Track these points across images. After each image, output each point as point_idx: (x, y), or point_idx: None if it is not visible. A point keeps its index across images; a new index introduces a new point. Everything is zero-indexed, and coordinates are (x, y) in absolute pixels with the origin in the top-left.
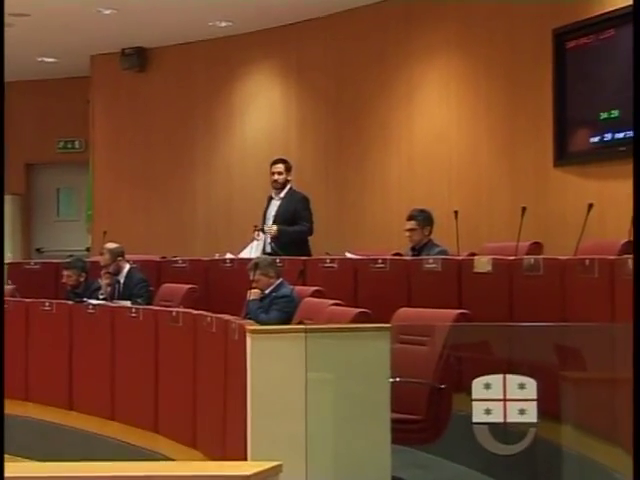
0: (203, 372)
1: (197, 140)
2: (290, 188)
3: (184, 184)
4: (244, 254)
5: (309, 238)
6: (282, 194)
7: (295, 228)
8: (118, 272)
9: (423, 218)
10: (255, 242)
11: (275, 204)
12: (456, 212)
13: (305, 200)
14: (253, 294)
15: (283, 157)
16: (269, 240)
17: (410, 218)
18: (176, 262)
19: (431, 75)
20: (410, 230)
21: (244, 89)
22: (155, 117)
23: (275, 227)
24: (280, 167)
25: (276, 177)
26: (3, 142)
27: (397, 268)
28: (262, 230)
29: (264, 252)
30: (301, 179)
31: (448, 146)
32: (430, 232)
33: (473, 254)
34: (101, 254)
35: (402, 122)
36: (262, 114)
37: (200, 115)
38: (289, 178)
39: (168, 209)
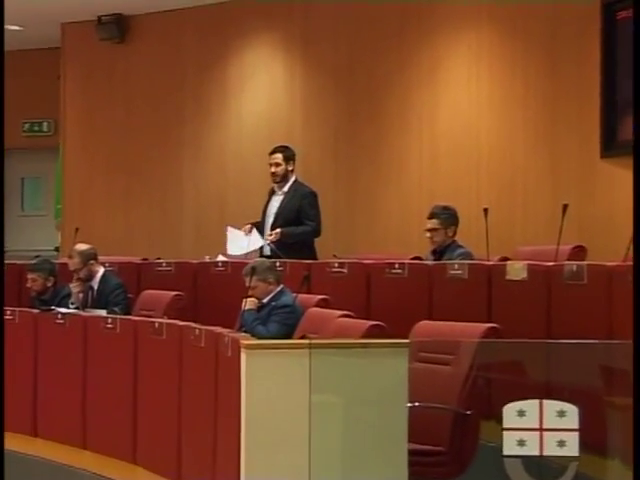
0: (190, 393)
1: (185, 124)
2: (295, 181)
3: (170, 175)
4: (235, 249)
5: (315, 239)
6: (285, 188)
7: (299, 229)
8: (90, 277)
9: (447, 216)
10: (249, 236)
11: (277, 200)
12: (486, 210)
13: (312, 196)
14: (249, 303)
15: (284, 144)
16: (267, 241)
17: (431, 216)
18: (160, 265)
19: (458, 50)
20: (431, 230)
21: (241, 64)
22: (137, 97)
23: (278, 232)
24: (278, 157)
25: (273, 169)
26: (3, 139)
27: (416, 274)
28: (252, 225)
29: (261, 255)
30: (306, 170)
31: (477, 133)
32: (454, 233)
33: (505, 259)
34: (70, 257)
35: (424, 105)
36: (261, 94)
37: (189, 95)
38: (290, 168)
39: (151, 203)
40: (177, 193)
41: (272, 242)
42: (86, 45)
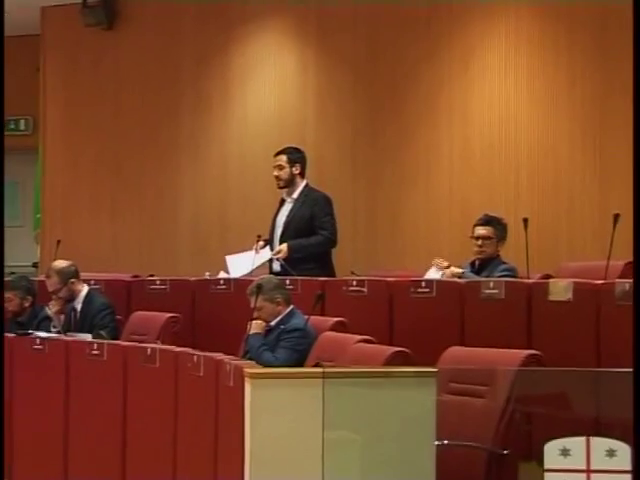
0: (186, 429)
1: (182, 123)
2: (306, 186)
3: (165, 180)
4: (240, 270)
5: (331, 252)
6: (295, 194)
7: (311, 240)
8: (72, 297)
9: (501, 228)
10: (254, 252)
11: (287, 208)
12: (525, 221)
13: (325, 201)
14: (255, 326)
15: (293, 146)
16: (275, 257)
17: (486, 222)
18: (152, 283)
19: (494, 37)
20: (484, 238)
21: (245, 55)
22: (127, 92)
23: (284, 248)
24: (281, 159)
25: (276, 172)
26: (3, 139)
27: (446, 294)
28: (266, 241)
29: (270, 272)
30: (320, 175)
31: (516, 132)
32: (501, 247)
33: (548, 276)
34: (47, 277)
35: (455, 100)
36: (269, 88)
37: (186, 90)
38: (296, 172)
39: (143, 213)
40: (173, 201)
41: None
42: (69, 32)
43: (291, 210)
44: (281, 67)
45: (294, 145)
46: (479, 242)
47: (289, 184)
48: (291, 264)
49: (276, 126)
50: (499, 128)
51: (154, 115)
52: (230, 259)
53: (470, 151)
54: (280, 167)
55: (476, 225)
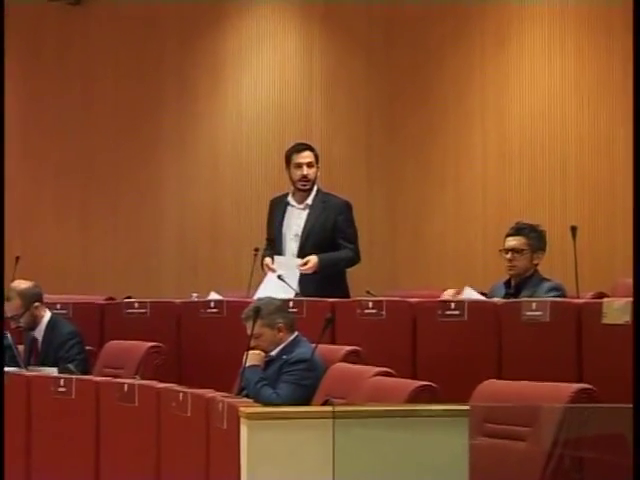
0: (171, 477)
1: (165, 116)
2: (318, 191)
3: (145, 184)
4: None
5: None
6: (309, 199)
7: (341, 255)
8: (34, 325)
9: (535, 237)
10: (271, 277)
11: (298, 215)
12: (574, 229)
13: (349, 209)
14: (252, 357)
15: (303, 142)
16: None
17: (516, 232)
18: (130, 306)
19: (535, 13)
20: (514, 252)
21: (240, 34)
22: (98, 78)
23: (314, 260)
24: (310, 156)
25: (306, 171)
26: (3, 141)
27: (480, 317)
28: (271, 256)
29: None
30: (329, 176)
31: (562, 126)
32: (539, 261)
33: (601, 295)
34: (7, 300)
35: (489, 87)
36: (268, 73)
37: (169, 74)
38: (318, 174)
39: (118, 223)
40: (154, 209)
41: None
42: (31, 8)
43: (308, 218)
44: (282, 49)
45: (303, 141)
46: (508, 256)
47: (312, 187)
48: (301, 282)
49: (276, 119)
50: (542, 120)
51: (131, 108)
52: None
53: (508, 147)
54: (309, 165)
55: (506, 236)
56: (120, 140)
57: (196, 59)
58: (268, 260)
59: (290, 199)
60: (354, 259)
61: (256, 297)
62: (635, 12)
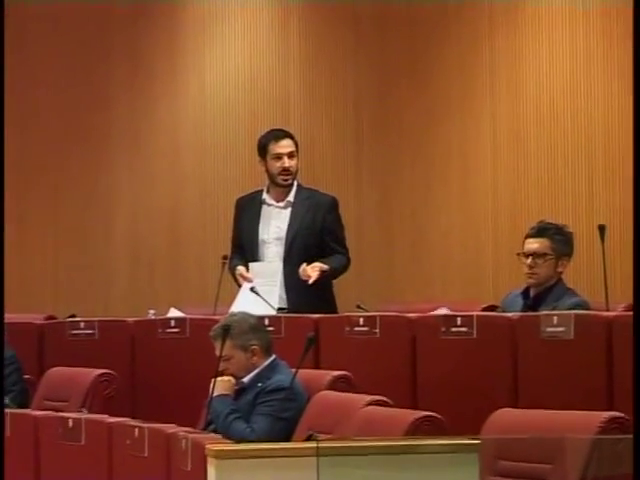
0: None
1: (114, 100)
2: (299, 186)
3: (90, 182)
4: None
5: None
6: (291, 196)
7: (338, 261)
8: None
9: (561, 240)
10: (246, 290)
11: (278, 214)
12: (602, 229)
13: (336, 206)
14: (221, 385)
15: (279, 129)
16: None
17: (538, 233)
18: (75, 326)
19: None
20: (535, 256)
21: (203, 2)
22: (31, 58)
23: (319, 267)
24: (290, 145)
25: (287, 163)
26: (3, 144)
27: (492, 334)
28: (240, 263)
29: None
30: (310, 170)
31: (588, 109)
32: (564, 268)
33: None
34: None
35: (500, 62)
36: (237, 48)
37: (118, 55)
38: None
39: (60, 228)
40: (103, 211)
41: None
42: None
43: (292, 218)
44: (253, 18)
45: (279, 128)
46: (529, 261)
47: (292, 182)
48: (291, 297)
49: (247, 102)
50: (564, 102)
51: (73, 96)
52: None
53: (523, 134)
54: (291, 155)
55: (526, 237)
56: (60, 135)
57: (150, 34)
58: (242, 269)
59: (265, 196)
60: (347, 266)
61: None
62: (635, 12)
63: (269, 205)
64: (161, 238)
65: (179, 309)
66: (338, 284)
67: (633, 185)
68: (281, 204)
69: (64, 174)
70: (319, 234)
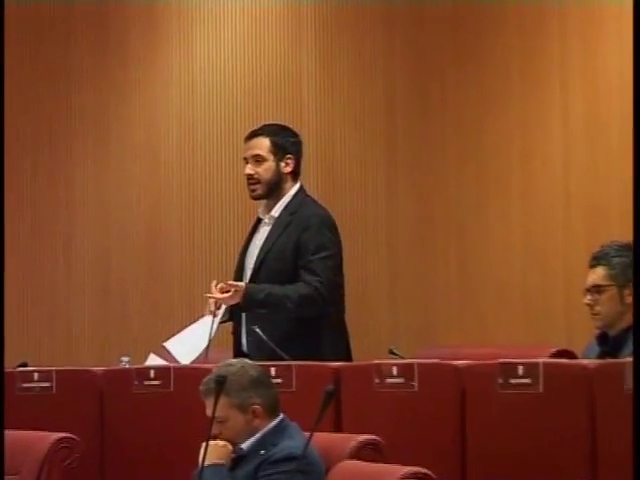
0: None
1: (76, 95)
2: (297, 195)
3: (50, 194)
4: (187, 349)
5: (344, 318)
6: (276, 210)
7: (285, 290)
8: None
9: (622, 264)
10: (211, 318)
11: (262, 234)
12: None
13: (320, 223)
14: (214, 452)
15: (277, 123)
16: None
17: (595, 261)
18: (27, 378)
19: None
20: (593, 291)
21: None
22: None
23: (239, 286)
24: (260, 146)
25: (248, 169)
26: (3, 144)
27: (563, 387)
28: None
29: (237, 351)
30: (328, 176)
31: None
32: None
33: None
34: None
35: (571, 40)
36: (237, 32)
37: (82, 38)
38: (287, 170)
39: (8, 259)
40: (60, 232)
41: (223, 319)
42: None
43: (267, 239)
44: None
45: (282, 124)
46: (587, 298)
47: (271, 191)
48: (277, 338)
49: (249, 91)
50: None
51: (30, 86)
52: (173, 345)
53: (603, 126)
54: (257, 159)
55: (589, 266)
56: (14, 133)
57: (124, 17)
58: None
59: (261, 210)
60: (314, 299)
61: (169, 347)
62: (635, 12)
63: (261, 220)
64: (136, 266)
65: (160, 355)
66: (363, 323)
67: (633, 185)
68: (267, 218)
69: (13, 185)
70: (290, 258)
